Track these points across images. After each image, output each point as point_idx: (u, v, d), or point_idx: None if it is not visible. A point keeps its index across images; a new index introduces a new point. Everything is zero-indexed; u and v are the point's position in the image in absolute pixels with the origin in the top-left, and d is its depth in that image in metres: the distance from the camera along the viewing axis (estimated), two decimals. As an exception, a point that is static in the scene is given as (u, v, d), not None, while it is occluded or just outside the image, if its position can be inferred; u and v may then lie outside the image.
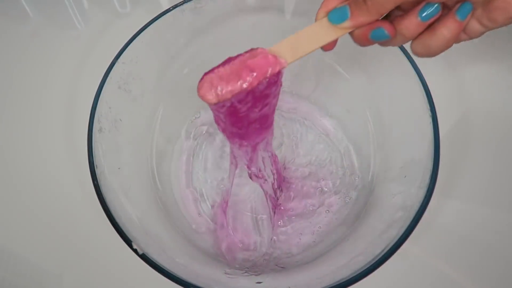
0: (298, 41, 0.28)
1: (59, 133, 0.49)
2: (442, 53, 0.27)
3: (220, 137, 0.48)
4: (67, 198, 0.45)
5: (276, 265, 0.40)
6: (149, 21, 0.40)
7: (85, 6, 0.58)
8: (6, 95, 0.52)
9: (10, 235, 0.44)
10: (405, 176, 0.37)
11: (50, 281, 0.42)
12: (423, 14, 0.25)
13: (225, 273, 0.37)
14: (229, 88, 0.28)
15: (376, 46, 0.29)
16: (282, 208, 0.44)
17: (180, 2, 0.40)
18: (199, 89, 0.29)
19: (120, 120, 0.39)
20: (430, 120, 0.35)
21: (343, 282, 0.29)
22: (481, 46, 0.50)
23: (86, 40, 0.55)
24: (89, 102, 0.36)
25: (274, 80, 0.28)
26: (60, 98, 0.51)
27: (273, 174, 0.42)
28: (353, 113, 0.46)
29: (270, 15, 0.43)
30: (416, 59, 0.36)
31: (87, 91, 0.39)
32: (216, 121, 0.32)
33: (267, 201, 0.44)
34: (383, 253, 0.30)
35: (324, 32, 0.27)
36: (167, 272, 0.29)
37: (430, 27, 0.26)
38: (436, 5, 0.25)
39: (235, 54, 0.29)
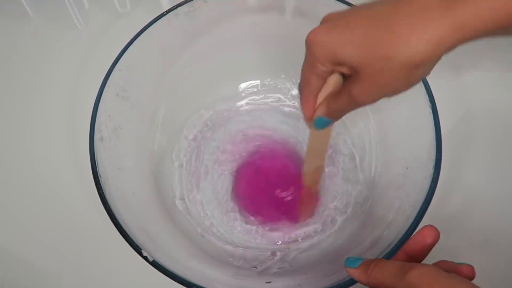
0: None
1: (59, 135, 0.49)
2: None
3: (219, 137, 0.48)
4: (67, 199, 0.46)
5: (284, 263, 0.40)
6: (143, 27, 0.40)
7: (85, 6, 0.58)
8: (5, 96, 0.52)
9: (10, 236, 0.44)
10: (408, 168, 0.37)
11: (50, 281, 0.42)
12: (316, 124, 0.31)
13: (234, 274, 0.37)
14: None
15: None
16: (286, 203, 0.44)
17: (173, 7, 0.40)
18: None
19: (120, 127, 0.39)
20: (430, 110, 0.35)
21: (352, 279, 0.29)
22: (483, 45, 0.51)
23: (86, 40, 0.55)
24: (89, 103, 0.36)
25: None
26: (61, 99, 0.51)
27: None
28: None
29: (270, 15, 0.43)
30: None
31: (88, 92, 0.39)
32: None
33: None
34: (390, 248, 0.31)
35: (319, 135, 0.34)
36: (179, 277, 0.30)
37: None
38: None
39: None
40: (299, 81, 0.30)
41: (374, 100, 0.27)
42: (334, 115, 0.30)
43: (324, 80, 0.29)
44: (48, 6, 0.58)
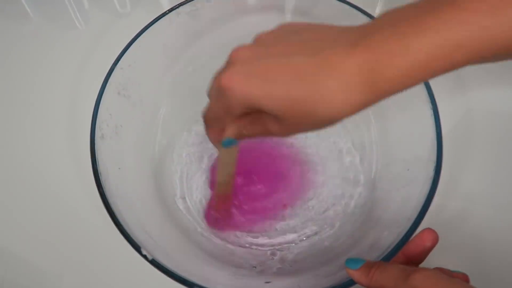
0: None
1: (60, 134, 0.49)
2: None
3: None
4: (67, 198, 0.46)
5: (284, 263, 0.40)
6: (145, 26, 0.40)
7: (86, 6, 0.58)
8: (6, 95, 0.52)
9: (10, 236, 0.44)
10: (408, 169, 0.37)
11: (50, 281, 0.42)
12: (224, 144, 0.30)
13: (233, 273, 0.37)
14: None
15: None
16: (285, 203, 0.44)
17: (175, 6, 0.40)
18: None
19: (121, 126, 0.39)
20: (431, 112, 0.35)
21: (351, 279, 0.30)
22: None
23: (86, 40, 0.55)
24: (90, 102, 0.36)
25: None
26: (61, 99, 0.51)
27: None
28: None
29: (270, 15, 0.43)
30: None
31: (88, 91, 0.39)
32: None
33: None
34: (389, 249, 0.30)
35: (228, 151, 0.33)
36: (178, 276, 0.30)
37: None
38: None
39: None
40: (203, 110, 0.31)
41: (287, 136, 0.28)
42: (244, 137, 0.30)
43: (237, 117, 0.28)
44: (48, 6, 0.58)
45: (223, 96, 0.26)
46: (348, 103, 0.23)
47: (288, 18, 0.43)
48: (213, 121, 0.30)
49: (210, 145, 0.46)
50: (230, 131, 0.29)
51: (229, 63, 0.27)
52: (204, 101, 0.48)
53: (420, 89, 0.36)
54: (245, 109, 0.26)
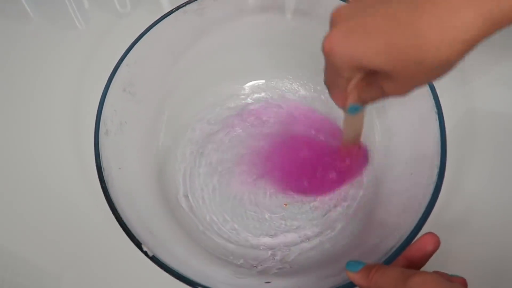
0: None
1: (63, 133, 0.49)
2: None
3: (224, 134, 0.48)
4: (70, 196, 0.46)
5: (284, 264, 0.40)
6: (152, 23, 0.40)
7: (86, 6, 0.58)
8: (7, 96, 0.52)
9: (10, 235, 0.45)
10: (411, 174, 0.37)
11: (50, 281, 0.42)
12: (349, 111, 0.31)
13: (234, 273, 0.37)
14: None
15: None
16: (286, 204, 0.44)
17: (182, 4, 0.40)
18: None
19: (126, 122, 0.39)
20: (436, 116, 0.35)
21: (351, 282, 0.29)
22: (486, 44, 0.50)
23: (86, 40, 0.55)
24: (93, 100, 0.36)
25: None
26: (64, 98, 0.51)
27: None
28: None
29: (271, 15, 0.43)
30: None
31: (90, 91, 0.39)
32: None
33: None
34: (391, 252, 0.30)
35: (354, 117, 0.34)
36: (178, 274, 0.30)
37: None
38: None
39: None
40: (324, 78, 0.30)
41: (407, 94, 0.26)
42: (366, 103, 0.30)
43: (350, 79, 0.27)
44: (48, 6, 0.58)
45: (329, 61, 0.26)
46: (460, 40, 0.21)
47: (288, 17, 0.43)
48: (332, 85, 0.30)
49: (214, 142, 0.47)
50: (351, 98, 0.29)
51: (331, 25, 0.26)
52: (207, 100, 0.49)
53: (424, 91, 0.35)
54: (353, 69, 0.25)
